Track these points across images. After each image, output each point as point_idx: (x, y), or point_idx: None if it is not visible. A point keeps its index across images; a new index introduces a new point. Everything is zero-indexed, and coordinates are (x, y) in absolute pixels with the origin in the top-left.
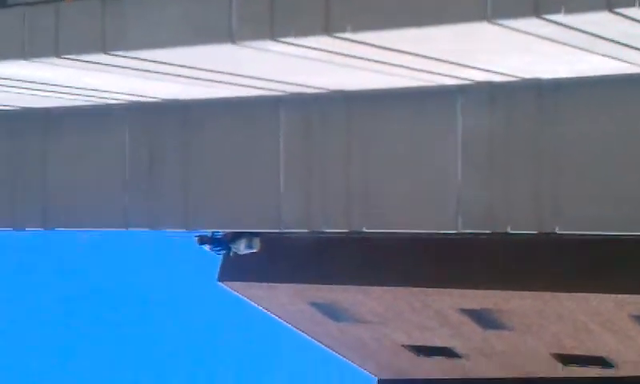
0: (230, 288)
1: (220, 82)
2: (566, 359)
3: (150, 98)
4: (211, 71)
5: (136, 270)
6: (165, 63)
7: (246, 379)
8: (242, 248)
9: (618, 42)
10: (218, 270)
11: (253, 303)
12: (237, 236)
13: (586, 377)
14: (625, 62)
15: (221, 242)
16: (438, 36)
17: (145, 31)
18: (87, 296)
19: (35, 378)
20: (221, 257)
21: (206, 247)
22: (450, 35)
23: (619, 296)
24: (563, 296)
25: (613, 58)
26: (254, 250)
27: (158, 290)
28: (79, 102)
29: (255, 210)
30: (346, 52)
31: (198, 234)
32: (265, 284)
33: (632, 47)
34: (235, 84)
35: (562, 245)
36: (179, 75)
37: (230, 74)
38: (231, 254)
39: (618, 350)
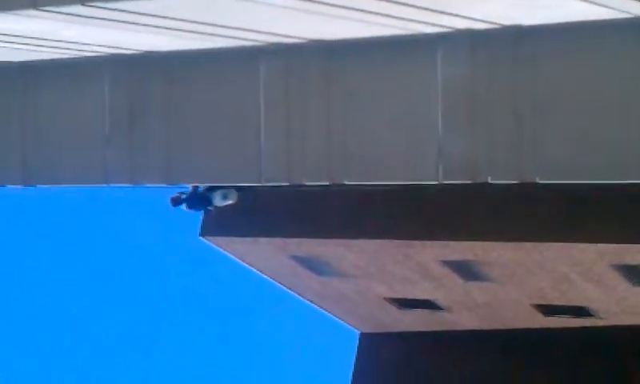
0: (211, 243)
1: (202, 33)
2: (547, 309)
3: (131, 50)
4: (192, 22)
5: (119, 227)
6: (145, 14)
7: (229, 334)
8: (217, 200)
9: None
10: (200, 224)
11: (235, 258)
12: (212, 189)
13: (567, 327)
14: (606, 7)
15: (197, 199)
16: None
17: None
18: (68, 253)
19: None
20: (201, 212)
21: (183, 207)
22: None
23: (600, 245)
24: (544, 246)
25: (595, 3)
26: (231, 202)
27: (140, 246)
28: (58, 55)
29: (236, 164)
30: (325, 0)
31: (171, 196)
32: (247, 238)
33: None
34: (216, 34)
35: (543, 195)
36: (160, 26)
37: (211, 24)
38: (211, 208)
39: (599, 300)
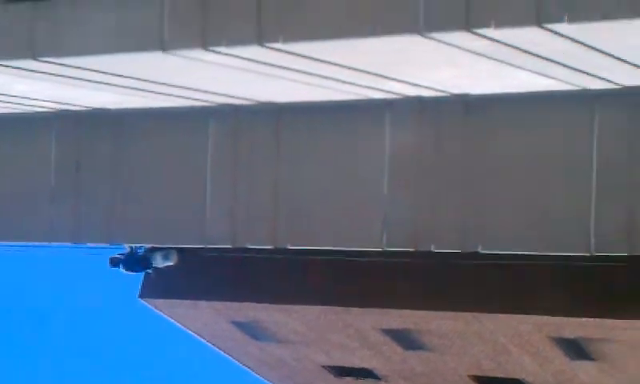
0: (151, 305)
1: (151, 91)
2: (484, 381)
3: (81, 106)
4: (143, 80)
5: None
6: (96, 71)
7: None
8: (158, 260)
9: (547, 59)
10: (140, 286)
11: (174, 321)
12: (154, 250)
13: None
14: (553, 79)
15: (136, 260)
16: (367, 48)
17: (76, 38)
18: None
19: None
20: (142, 274)
21: (121, 268)
22: (380, 48)
23: (538, 317)
24: (484, 317)
25: (541, 74)
26: (171, 263)
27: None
28: (9, 109)
29: (180, 225)
30: (276, 63)
31: (110, 256)
32: (186, 301)
33: (560, 64)
34: (166, 94)
35: (484, 266)
36: (111, 84)
37: (161, 83)
38: (151, 271)
39: (536, 373)
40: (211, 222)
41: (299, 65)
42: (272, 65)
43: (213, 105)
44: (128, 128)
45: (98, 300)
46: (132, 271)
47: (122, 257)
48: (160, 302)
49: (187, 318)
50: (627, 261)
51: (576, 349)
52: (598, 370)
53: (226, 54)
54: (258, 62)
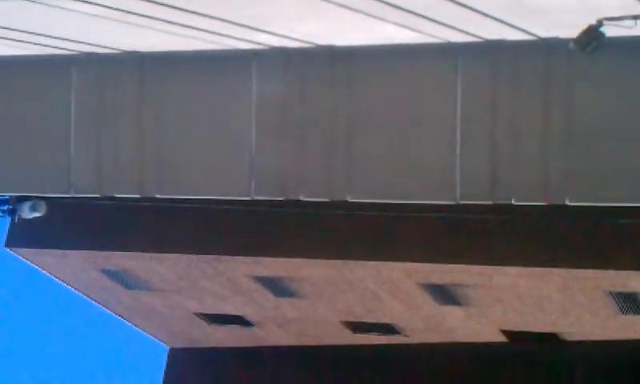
0: (18, 254)
1: (12, 39)
2: (355, 326)
3: None
4: (4, 28)
5: None
6: None
7: (34, 348)
8: (25, 211)
9: (410, 11)
10: (5, 235)
11: (43, 270)
12: (22, 199)
13: (375, 344)
14: (417, 31)
15: (6, 206)
16: None
17: None
18: None
19: None
20: (7, 221)
21: None
22: None
23: (407, 264)
24: (354, 264)
25: (405, 27)
26: (39, 214)
27: None
28: None
29: (45, 174)
30: (137, 11)
31: None
32: (55, 250)
33: (422, 16)
34: (27, 42)
35: (353, 213)
36: None
37: (22, 31)
38: (16, 218)
39: (405, 318)
40: (77, 171)
41: (161, 13)
42: (133, 13)
43: (76, 53)
44: None
45: None
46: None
47: None
48: (27, 251)
49: (56, 268)
50: (493, 207)
51: (444, 294)
52: (466, 314)
53: (89, 2)
54: (117, 9)
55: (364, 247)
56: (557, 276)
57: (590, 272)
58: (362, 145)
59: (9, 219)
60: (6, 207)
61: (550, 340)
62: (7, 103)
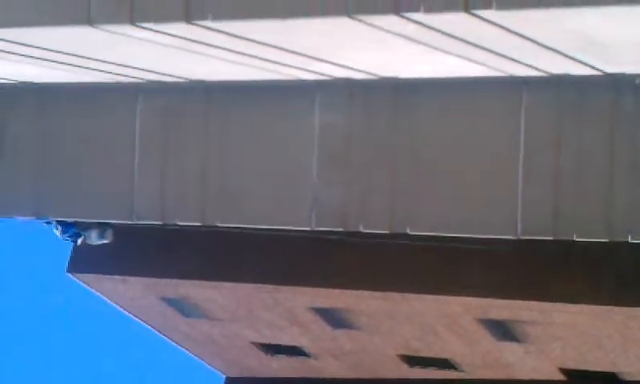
0: (79, 280)
1: (78, 66)
2: (412, 360)
3: (5, 79)
4: (69, 55)
5: None
6: (21, 44)
7: (94, 374)
8: (93, 238)
9: (474, 44)
10: (68, 260)
11: (102, 296)
12: (88, 225)
13: (431, 378)
14: (481, 64)
15: (73, 230)
16: (297, 29)
17: (1, 9)
18: None
19: None
20: (71, 247)
21: (57, 232)
22: (309, 29)
23: (466, 299)
24: (412, 297)
25: (469, 59)
26: (106, 241)
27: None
28: None
29: (108, 200)
30: (205, 41)
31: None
32: (115, 276)
33: (487, 50)
34: (94, 69)
35: (414, 246)
36: (37, 57)
37: (88, 58)
38: (79, 242)
39: (463, 353)
40: (140, 198)
41: (228, 43)
42: (200, 42)
43: (141, 81)
44: (55, 103)
45: (24, 275)
46: (69, 238)
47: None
48: (89, 276)
49: (116, 293)
50: (555, 243)
51: (502, 330)
52: (524, 351)
53: (154, 31)
54: (185, 39)
55: (423, 281)
56: (617, 314)
57: None
58: (423, 177)
59: (73, 245)
60: (71, 232)
61: (609, 379)
62: (73, 129)
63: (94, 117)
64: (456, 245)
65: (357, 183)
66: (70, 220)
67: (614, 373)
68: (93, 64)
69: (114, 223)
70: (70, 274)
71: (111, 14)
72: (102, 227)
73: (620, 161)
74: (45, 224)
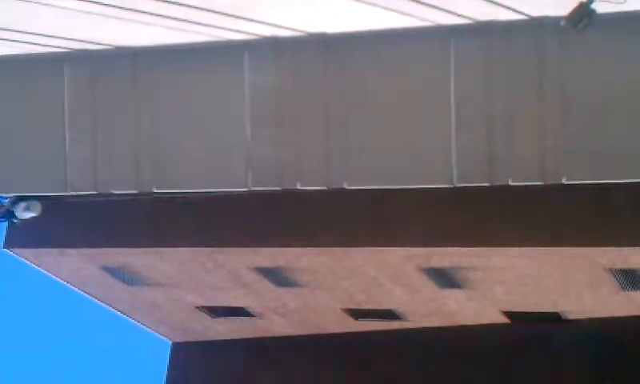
0: (17, 255)
1: (3, 39)
2: (357, 313)
3: None
4: None
5: None
6: None
7: (39, 349)
8: (20, 212)
9: None
10: (4, 236)
11: (42, 270)
12: (16, 200)
13: (376, 330)
14: (407, 15)
15: (3, 212)
16: None
17: None
18: None
19: None
20: (4, 224)
21: None
22: None
23: (406, 249)
24: (353, 251)
25: (395, 11)
26: (34, 214)
27: None
28: None
29: (40, 172)
30: (129, 6)
31: None
32: (54, 249)
33: (414, 0)
34: (18, 40)
35: (352, 200)
36: None
37: (12, 30)
38: (16, 221)
39: (406, 303)
40: (72, 169)
41: (152, 7)
42: (124, 8)
43: (67, 50)
44: None
45: None
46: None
47: None
48: (27, 251)
49: (56, 266)
50: (491, 188)
51: (444, 277)
52: (466, 297)
53: None
54: (108, 5)
55: (363, 233)
56: (556, 255)
57: (588, 250)
58: (357, 131)
59: (5, 222)
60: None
61: (551, 320)
62: (1, 104)
63: (21, 89)
64: (394, 194)
65: (291, 141)
66: (2, 200)
67: (556, 312)
68: (18, 36)
69: (45, 196)
70: (7, 250)
71: None
72: (30, 200)
73: (550, 103)
74: None
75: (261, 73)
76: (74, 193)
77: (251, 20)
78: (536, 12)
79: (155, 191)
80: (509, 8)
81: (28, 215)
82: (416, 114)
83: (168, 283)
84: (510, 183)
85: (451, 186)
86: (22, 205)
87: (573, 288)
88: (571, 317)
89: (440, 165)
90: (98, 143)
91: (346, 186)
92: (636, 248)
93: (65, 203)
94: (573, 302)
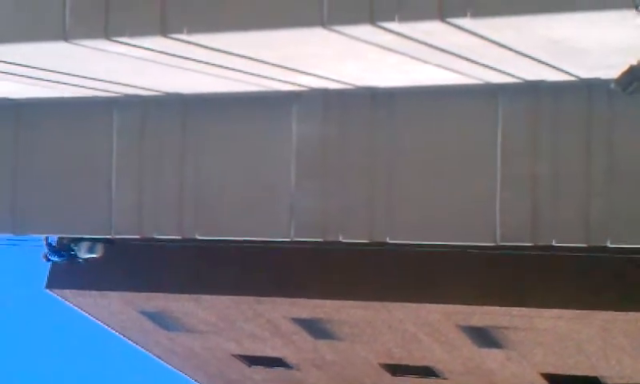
0: (58, 296)
1: (54, 81)
2: (394, 369)
3: None
4: (45, 70)
5: None
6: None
7: None
8: (82, 252)
9: (450, 53)
10: (47, 276)
11: (82, 311)
12: (77, 240)
13: None
14: (457, 72)
15: (63, 249)
16: (272, 40)
17: None
18: None
19: None
20: (49, 264)
21: (55, 259)
22: (284, 40)
23: (447, 306)
24: (393, 306)
25: (445, 68)
26: (96, 256)
27: None
28: None
29: (86, 215)
30: (181, 54)
31: (43, 252)
32: (95, 292)
33: (463, 58)
34: (69, 84)
35: (393, 255)
36: (15, 74)
37: (64, 73)
38: (81, 260)
39: (445, 360)
40: (118, 212)
41: (204, 56)
42: (176, 56)
43: (117, 95)
44: (31, 117)
45: (2, 292)
46: (63, 259)
47: (54, 247)
48: (68, 292)
49: (96, 308)
50: (534, 249)
51: (483, 336)
52: (505, 357)
53: (129, 45)
54: (161, 52)
55: (403, 289)
56: (597, 318)
57: (631, 314)
58: (402, 186)
59: (67, 262)
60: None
61: (590, 383)
62: (50, 145)
63: (72, 132)
64: (436, 250)
65: (335, 193)
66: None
67: (595, 376)
68: (69, 79)
69: (101, 238)
70: (48, 290)
71: (86, 29)
72: (92, 242)
73: (596, 165)
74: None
75: (308, 124)
76: (118, 236)
77: (301, 72)
78: (585, 74)
79: (198, 237)
80: (558, 69)
81: (91, 256)
82: (462, 171)
83: (206, 330)
84: (554, 244)
85: (494, 244)
86: (85, 245)
87: (613, 352)
88: (610, 382)
89: (484, 223)
90: (143, 188)
91: (388, 240)
92: None
93: (108, 246)
94: (612, 366)
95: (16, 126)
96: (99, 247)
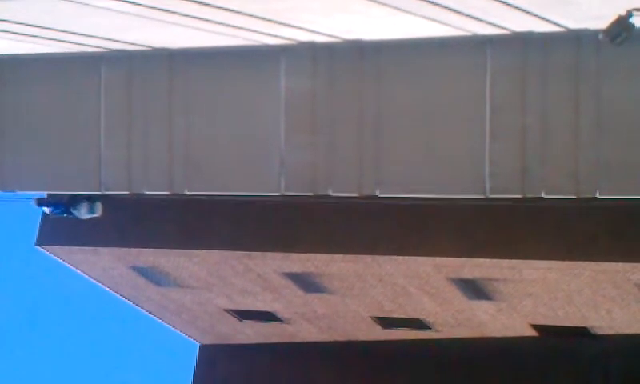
0: (48, 252)
1: (41, 37)
2: (385, 322)
3: None
4: (32, 26)
5: None
6: None
7: (66, 346)
8: (82, 212)
9: (439, 4)
10: (37, 233)
11: (73, 268)
12: (76, 199)
13: (404, 339)
14: (446, 24)
15: (61, 205)
16: None
17: None
18: None
19: None
20: (39, 220)
21: (46, 209)
22: None
23: (437, 259)
24: (383, 259)
25: (434, 20)
26: (96, 215)
27: None
28: None
29: (75, 171)
30: (168, 8)
31: (36, 197)
32: (85, 248)
33: (450, 9)
34: (56, 39)
35: (383, 208)
36: (3, 30)
37: (51, 28)
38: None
39: (436, 313)
40: (107, 168)
41: (192, 10)
42: (164, 10)
43: (104, 50)
44: (15, 75)
45: None
46: (58, 213)
47: (47, 198)
48: (58, 248)
49: (86, 265)
50: (523, 200)
51: (474, 289)
52: (496, 308)
53: None
54: (149, 7)
55: (393, 242)
56: (587, 269)
57: (620, 265)
58: (390, 139)
59: (68, 218)
60: (61, 209)
61: (580, 334)
62: (36, 102)
63: (58, 88)
64: (425, 204)
65: (324, 147)
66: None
67: (584, 327)
68: (56, 34)
69: (101, 196)
70: (38, 247)
71: None
72: (92, 201)
73: (585, 117)
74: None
75: (296, 78)
76: (107, 192)
77: (288, 25)
78: (574, 25)
79: (187, 193)
80: (546, 20)
81: (91, 216)
82: (450, 124)
83: (197, 285)
84: (544, 196)
85: (484, 196)
86: (85, 205)
87: (602, 303)
88: (600, 332)
89: (473, 175)
90: (132, 144)
91: (378, 194)
92: None
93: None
94: (602, 317)
95: (2, 84)
96: (98, 206)
